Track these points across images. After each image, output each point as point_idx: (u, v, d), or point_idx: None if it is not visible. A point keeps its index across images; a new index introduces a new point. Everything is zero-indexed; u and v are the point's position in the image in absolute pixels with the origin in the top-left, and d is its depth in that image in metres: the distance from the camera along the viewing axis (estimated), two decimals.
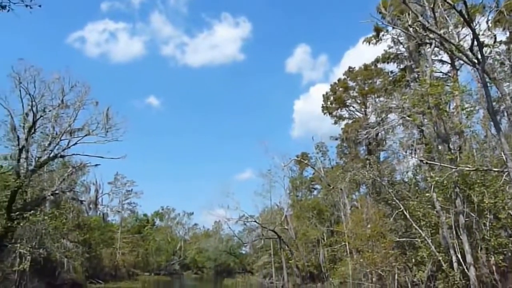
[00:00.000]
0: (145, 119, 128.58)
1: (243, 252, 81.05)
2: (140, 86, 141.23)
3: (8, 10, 10.59)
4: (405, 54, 30.80)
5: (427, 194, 23.35)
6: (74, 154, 30.79)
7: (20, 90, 26.96)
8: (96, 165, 32.02)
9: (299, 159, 50.78)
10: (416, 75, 25.63)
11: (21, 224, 27.25)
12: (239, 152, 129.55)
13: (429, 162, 21.78)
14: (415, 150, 25.84)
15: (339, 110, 47.38)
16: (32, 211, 27.37)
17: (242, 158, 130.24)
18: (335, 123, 47.85)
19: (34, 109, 27.22)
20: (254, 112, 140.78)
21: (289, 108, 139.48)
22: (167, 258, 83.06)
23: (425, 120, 23.13)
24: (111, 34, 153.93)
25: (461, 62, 21.99)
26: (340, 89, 46.66)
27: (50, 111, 27.71)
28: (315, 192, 57.53)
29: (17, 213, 26.74)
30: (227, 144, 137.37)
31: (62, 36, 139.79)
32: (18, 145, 27.30)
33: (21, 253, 27.88)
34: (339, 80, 47.48)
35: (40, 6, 10.62)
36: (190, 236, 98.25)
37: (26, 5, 10.67)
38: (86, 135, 29.08)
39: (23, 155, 27.53)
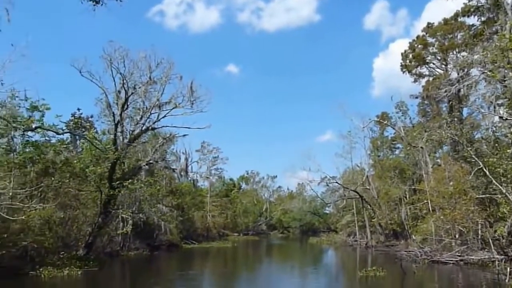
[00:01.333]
0: (226, 86, 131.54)
1: (327, 212, 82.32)
2: (219, 55, 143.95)
3: (102, 4, 11.74)
4: (486, 6, 28.68)
5: (508, 151, 22.83)
6: (163, 126, 33.06)
7: (111, 70, 29.12)
8: (184, 135, 34.16)
9: (378, 120, 49.95)
10: (497, 28, 23.99)
11: (122, 192, 30.16)
12: (319, 114, 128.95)
13: (508, 118, 20.83)
14: (496, 107, 24.60)
15: (418, 68, 45.37)
16: (130, 180, 30.18)
17: (322, 120, 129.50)
18: (415, 81, 46.02)
19: (125, 86, 29.41)
20: (333, 73, 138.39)
21: (368, 66, 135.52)
22: (254, 219, 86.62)
23: (510, 74, 21.86)
24: (188, 5, 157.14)
25: None
26: (419, 46, 44.51)
27: (139, 87, 29.79)
28: (396, 152, 56.46)
29: (117, 182, 29.54)
30: (307, 107, 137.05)
31: (143, 11, 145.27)
32: (114, 120, 29.85)
33: (123, 218, 30.99)
34: (417, 37, 45.25)
35: None
36: (274, 198, 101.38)
37: None
38: (173, 108, 31.01)
39: (119, 130, 30.08)
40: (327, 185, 57.29)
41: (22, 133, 24.31)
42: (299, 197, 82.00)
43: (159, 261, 34.63)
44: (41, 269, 22.14)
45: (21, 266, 22.06)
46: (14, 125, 21.33)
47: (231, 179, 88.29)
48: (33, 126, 23.69)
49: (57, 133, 26.43)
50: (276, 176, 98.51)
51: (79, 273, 22.80)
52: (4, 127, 23.73)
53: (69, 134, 31.75)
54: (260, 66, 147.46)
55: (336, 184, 53.80)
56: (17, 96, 24.16)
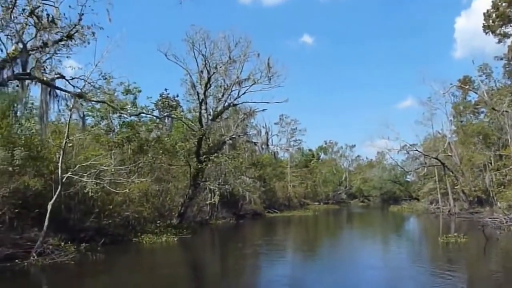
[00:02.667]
0: (302, 57, 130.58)
1: (408, 179, 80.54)
2: (293, 26, 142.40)
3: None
4: None
5: None
6: (244, 102, 34.60)
7: (194, 52, 30.96)
8: (263, 109, 35.27)
9: (460, 85, 47.56)
10: None
11: (208, 165, 32.24)
12: (397, 80, 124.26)
13: None
14: None
15: (503, 28, 42.19)
16: (215, 154, 32.22)
17: (401, 87, 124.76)
18: (499, 41, 42.88)
19: (207, 66, 31.05)
20: (411, 37, 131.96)
21: (449, 27, 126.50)
22: (333, 188, 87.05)
23: None
24: None
25: None
26: (503, 4, 41.25)
27: (220, 67, 31.31)
28: (480, 116, 53.51)
29: (204, 156, 31.64)
30: (385, 74, 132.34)
31: None
32: (198, 99, 31.79)
33: (211, 189, 33.21)
34: None
35: None
36: (354, 167, 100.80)
37: None
38: (252, 84, 32.27)
39: (203, 107, 31.97)
40: (407, 153, 56.21)
41: (119, 115, 26.80)
42: (379, 166, 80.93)
43: (245, 229, 36.80)
44: (142, 236, 24.71)
45: (125, 233, 24.75)
46: (122, 111, 23.55)
47: (310, 150, 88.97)
48: (137, 112, 25.98)
49: (157, 117, 28.76)
50: (355, 146, 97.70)
51: (175, 239, 25.12)
52: (104, 110, 26.34)
53: (159, 114, 34.18)
54: (334, 35, 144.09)
55: (417, 152, 52.61)
56: (112, 81, 26.67)
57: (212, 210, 37.09)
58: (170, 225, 28.76)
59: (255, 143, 35.72)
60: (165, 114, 36.68)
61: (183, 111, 34.88)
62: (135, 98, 28.03)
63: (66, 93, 11.82)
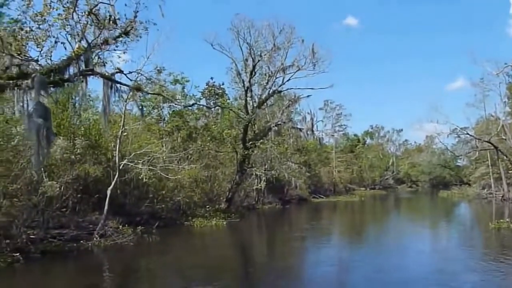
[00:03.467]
0: (346, 40, 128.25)
1: (459, 164, 78.24)
2: (337, 8, 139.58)
3: None
4: None
5: None
6: (288, 89, 34.84)
7: (238, 40, 31.52)
8: (308, 96, 35.45)
9: None
10: None
11: (254, 152, 32.96)
12: (446, 62, 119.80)
13: None
14: None
15: None
16: (261, 140, 32.85)
17: (451, 67, 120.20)
18: None
19: (252, 54, 31.49)
20: (462, 12, 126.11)
21: (504, 2, 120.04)
22: (380, 173, 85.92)
23: None
24: None
25: None
26: None
27: (264, 54, 31.71)
28: None
29: (250, 143, 32.35)
30: (434, 53, 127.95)
31: None
32: (244, 86, 32.41)
33: (257, 175, 33.98)
34: None
35: None
36: (401, 152, 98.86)
37: None
38: (296, 71, 32.46)
39: (249, 95, 32.58)
40: (458, 136, 54.53)
41: (169, 105, 27.90)
42: (428, 150, 78.94)
43: (291, 213, 37.44)
44: (193, 220, 25.85)
45: (177, 217, 25.97)
46: (176, 102, 24.57)
47: (355, 135, 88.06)
48: (190, 103, 26.99)
49: (209, 108, 29.69)
50: (402, 130, 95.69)
51: (224, 223, 26.09)
52: (155, 100, 27.50)
53: (205, 102, 35.18)
54: (380, 16, 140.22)
55: (468, 135, 51.04)
56: (161, 72, 27.75)
57: (259, 195, 37.91)
58: (219, 209, 29.75)
59: (300, 129, 36.04)
60: (212, 102, 37.72)
61: (229, 99, 35.64)
62: (183, 88, 29.05)
63: (126, 86, 12.67)
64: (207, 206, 29.05)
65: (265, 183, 33.48)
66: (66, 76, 10.79)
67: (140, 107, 20.13)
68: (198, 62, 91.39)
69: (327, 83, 33.98)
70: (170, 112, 29.72)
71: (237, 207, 32.86)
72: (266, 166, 34.54)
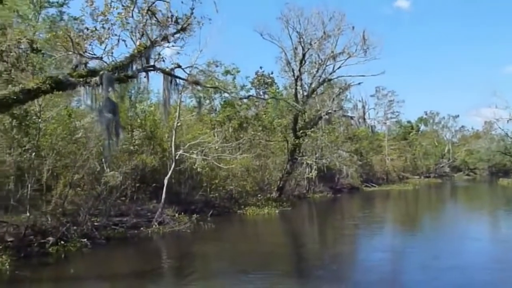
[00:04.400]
0: (397, 24, 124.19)
1: None
2: None
3: None
4: None
5: None
6: (339, 77, 34.54)
7: (288, 29, 31.51)
8: (359, 83, 34.85)
9: None
10: None
11: (305, 141, 32.99)
12: (503, 40, 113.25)
13: None
14: None
15: None
16: (311, 129, 32.81)
17: (509, 47, 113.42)
18: None
19: (302, 43, 31.41)
20: None
21: None
22: (435, 161, 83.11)
23: None
24: None
25: None
26: None
27: (314, 42, 31.50)
28: None
29: (301, 132, 32.41)
30: (488, 34, 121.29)
31: None
32: (293, 75, 32.41)
33: (308, 163, 33.97)
34: None
35: None
36: (458, 139, 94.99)
37: None
38: (347, 58, 32.09)
39: (298, 84, 32.58)
40: None
41: (220, 96, 28.43)
42: (486, 136, 75.52)
43: (342, 202, 37.22)
44: (245, 208, 26.35)
45: (229, 206, 26.57)
46: (232, 94, 25.06)
47: (408, 122, 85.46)
48: (246, 95, 27.42)
49: (263, 99, 30.04)
50: (458, 116, 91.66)
51: (276, 212, 26.42)
52: (207, 91, 28.07)
53: (255, 92, 35.52)
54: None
55: None
56: (217, 66, 28.26)
57: (310, 184, 37.92)
58: (270, 198, 30.09)
59: (351, 117, 35.56)
60: (261, 91, 38.02)
61: (278, 88, 35.76)
62: (234, 78, 29.48)
63: (185, 80, 13.15)
64: (259, 195, 29.45)
65: (316, 172, 33.38)
66: (130, 73, 11.37)
67: (198, 100, 20.69)
68: (245, 52, 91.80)
69: (379, 70, 33.31)
70: (221, 102, 30.26)
71: (288, 196, 33.08)
72: (317, 155, 34.43)
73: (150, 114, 24.97)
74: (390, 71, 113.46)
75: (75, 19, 28.55)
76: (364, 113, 30.87)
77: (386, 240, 18.39)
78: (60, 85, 10.08)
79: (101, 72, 10.25)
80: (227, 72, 28.68)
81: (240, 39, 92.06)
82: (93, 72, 10.56)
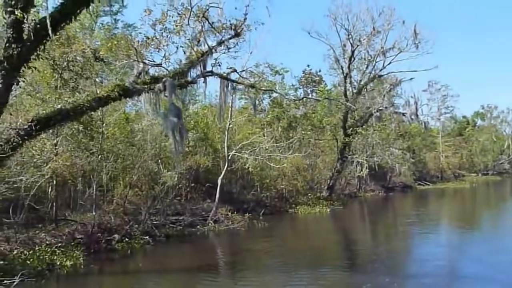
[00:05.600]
0: (449, 10, 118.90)
1: None
2: None
3: None
4: None
5: None
6: (389, 73, 33.78)
7: (336, 26, 31.39)
8: (411, 78, 34.05)
9: None
10: None
11: (355, 139, 32.74)
12: None
13: None
14: None
15: None
16: (362, 127, 32.50)
17: None
18: None
19: (350, 40, 31.20)
20: None
21: None
22: (494, 157, 79.51)
23: None
24: None
25: None
26: None
27: (363, 39, 31.20)
28: None
29: (350, 129, 32.18)
30: None
31: None
32: (342, 73, 32.26)
33: (359, 162, 33.67)
34: None
35: None
36: None
37: None
38: (398, 54, 31.50)
39: (348, 81, 32.38)
40: None
41: (269, 96, 28.77)
42: None
43: (395, 201, 36.56)
44: (297, 207, 26.57)
45: (280, 205, 26.88)
46: (286, 97, 25.44)
47: (464, 117, 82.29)
48: (301, 96, 27.62)
49: (318, 100, 30.23)
50: None
51: (328, 210, 26.48)
52: (255, 92, 28.50)
53: (302, 90, 35.63)
54: None
55: None
56: (262, 66, 28.66)
57: (360, 183, 37.58)
58: (320, 197, 30.13)
59: (403, 114, 34.86)
60: (309, 89, 38.09)
61: (326, 86, 35.67)
62: (283, 78, 29.75)
63: (241, 84, 13.68)
64: (309, 194, 29.58)
65: (367, 170, 33.06)
66: (189, 78, 12.02)
67: (253, 102, 21.18)
68: (291, 49, 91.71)
69: (431, 63, 32.56)
70: (270, 102, 30.61)
71: (339, 195, 32.98)
72: (367, 153, 34.09)
73: (203, 116, 25.73)
74: (443, 63, 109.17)
75: (129, 26, 29.99)
76: (416, 109, 30.16)
77: (441, 236, 18.16)
78: (127, 92, 10.84)
79: (164, 79, 10.89)
80: (276, 72, 29.01)
81: (287, 37, 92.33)
82: (155, 79, 11.25)
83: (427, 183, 49.46)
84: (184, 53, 12.34)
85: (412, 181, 46.35)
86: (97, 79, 16.52)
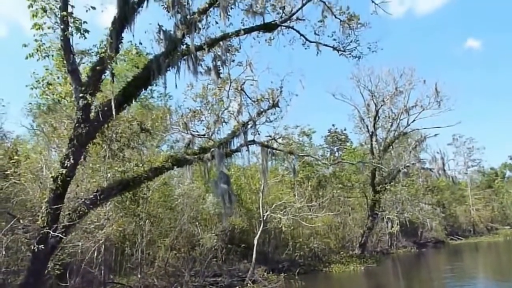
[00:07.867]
0: (468, 66, 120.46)
1: None
2: (453, 32, 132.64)
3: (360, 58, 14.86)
4: None
5: None
6: (414, 130, 34.78)
7: (359, 88, 32.92)
8: (435, 134, 34.86)
9: None
10: None
11: (384, 195, 33.06)
12: None
13: None
14: None
15: None
16: (390, 183, 32.88)
17: None
18: None
19: (374, 100, 32.60)
20: None
21: None
22: None
23: None
24: None
25: None
26: None
27: (386, 99, 32.47)
28: None
29: (379, 186, 32.60)
30: None
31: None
32: (368, 131, 33.31)
33: (389, 218, 33.73)
34: None
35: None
36: None
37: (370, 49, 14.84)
38: (421, 111, 32.59)
39: (374, 139, 33.30)
40: None
41: (297, 157, 29.68)
42: None
43: (428, 257, 35.95)
44: (331, 266, 26.61)
45: (314, 264, 27.00)
46: (323, 162, 26.47)
47: (492, 168, 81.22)
48: (336, 161, 28.65)
49: (352, 164, 31.16)
50: None
51: (362, 268, 26.42)
52: (284, 154, 29.55)
53: (329, 149, 36.50)
54: (503, 34, 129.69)
55: None
56: (290, 127, 29.90)
57: (392, 239, 37.33)
58: (353, 255, 30.09)
59: (431, 170, 35.22)
60: (335, 148, 39.00)
61: (352, 144, 36.57)
62: (311, 139, 30.88)
63: (280, 151, 14.77)
64: (341, 252, 29.62)
65: (398, 226, 33.00)
66: (233, 148, 13.15)
67: (293, 167, 22.18)
68: (315, 110, 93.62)
69: (455, 118, 33.28)
70: (299, 163, 31.51)
71: (371, 252, 32.81)
72: (397, 209, 34.17)
73: (237, 179, 26.70)
74: (466, 117, 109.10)
75: (164, 95, 31.82)
76: (443, 164, 30.53)
77: None
78: (179, 163, 11.95)
79: (212, 150, 12.02)
80: (303, 133, 30.20)
81: (312, 99, 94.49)
82: (203, 150, 12.38)
83: (460, 237, 48.52)
84: (226, 123, 13.56)
85: (444, 236, 45.65)
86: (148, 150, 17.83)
